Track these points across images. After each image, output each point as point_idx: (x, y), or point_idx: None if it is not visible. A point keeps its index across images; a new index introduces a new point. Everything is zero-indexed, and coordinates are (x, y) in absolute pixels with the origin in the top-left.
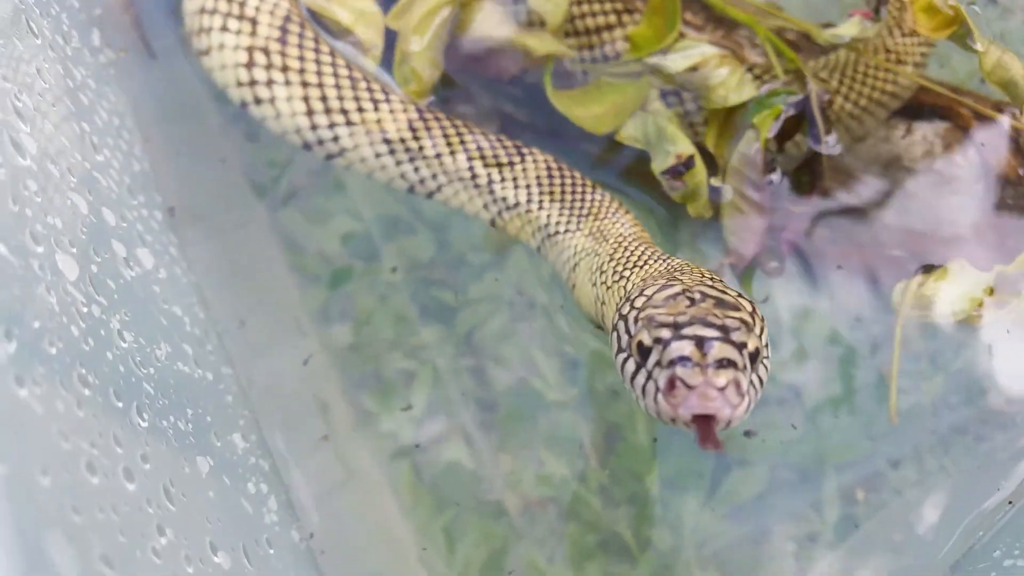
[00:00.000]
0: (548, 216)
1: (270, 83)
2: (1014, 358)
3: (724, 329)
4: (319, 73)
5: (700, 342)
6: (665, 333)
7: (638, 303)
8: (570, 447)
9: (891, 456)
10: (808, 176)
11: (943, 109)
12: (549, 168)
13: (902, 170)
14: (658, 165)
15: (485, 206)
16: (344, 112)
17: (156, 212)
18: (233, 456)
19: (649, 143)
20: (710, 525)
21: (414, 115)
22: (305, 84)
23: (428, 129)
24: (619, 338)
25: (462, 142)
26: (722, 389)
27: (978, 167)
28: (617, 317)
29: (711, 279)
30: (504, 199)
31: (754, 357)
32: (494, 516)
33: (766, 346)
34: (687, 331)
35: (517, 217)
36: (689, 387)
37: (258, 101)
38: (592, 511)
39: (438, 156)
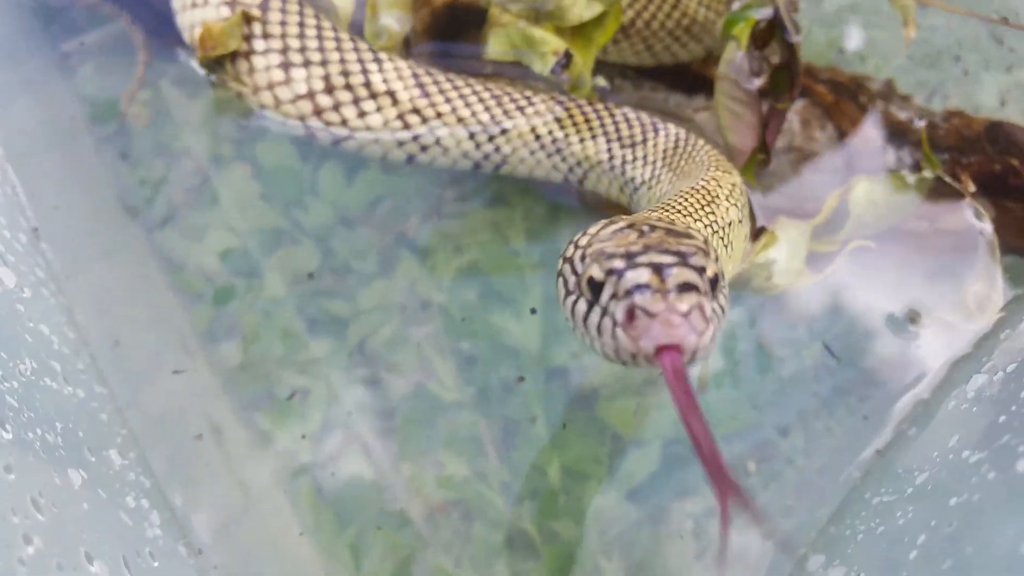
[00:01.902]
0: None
1: (440, 116)
2: (879, 318)
3: (681, 254)
4: (476, 93)
5: (658, 268)
6: (618, 263)
7: (582, 242)
8: (470, 447)
9: (778, 424)
10: (787, 75)
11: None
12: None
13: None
14: (543, 67)
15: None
16: (504, 132)
17: (20, 235)
18: (110, 471)
19: (520, 53)
20: (611, 510)
21: (557, 108)
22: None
23: (572, 118)
24: (565, 281)
25: (602, 126)
26: (686, 314)
27: (835, 141)
28: (561, 262)
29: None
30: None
31: (714, 283)
32: (398, 526)
33: (723, 277)
34: (642, 259)
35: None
36: (650, 315)
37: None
38: (496, 509)
39: (582, 142)
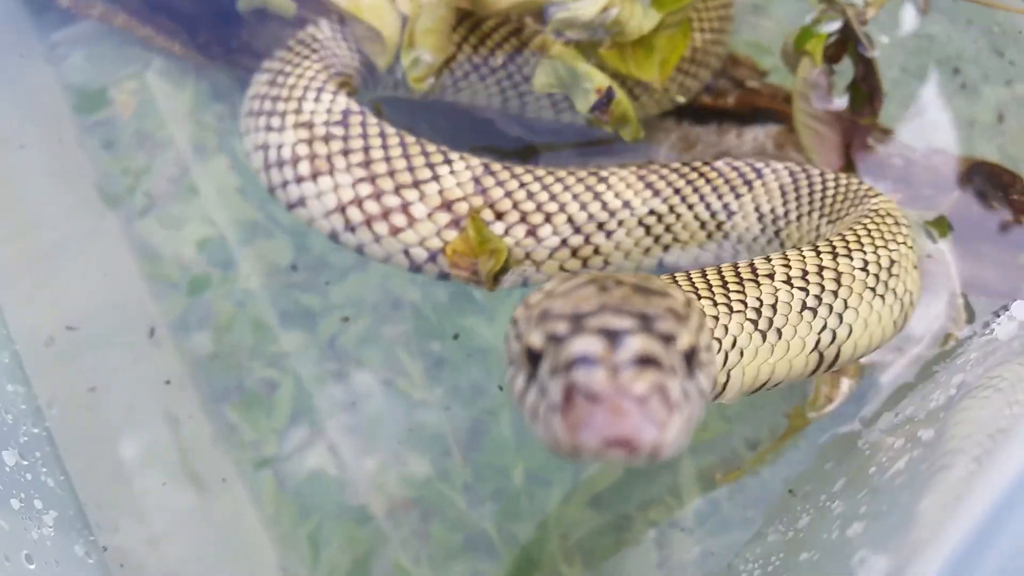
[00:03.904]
0: None
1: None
2: None
3: (644, 317)
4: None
5: (611, 335)
6: (561, 327)
7: (533, 299)
8: (434, 446)
9: (747, 436)
10: (866, 88)
11: (777, 113)
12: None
13: None
14: (582, 105)
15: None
16: (602, 226)
17: None
18: None
19: (565, 86)
20: (573, 515)
21: (644, 188)
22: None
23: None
24: (509, 350)
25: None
26: (642, 399)
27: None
28: (509, 324)
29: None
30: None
31: (689, 357)
32: (359, 521)
33: (707, 349)
34: (592, 321)
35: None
36: (593, 399)
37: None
38: (457, 509)
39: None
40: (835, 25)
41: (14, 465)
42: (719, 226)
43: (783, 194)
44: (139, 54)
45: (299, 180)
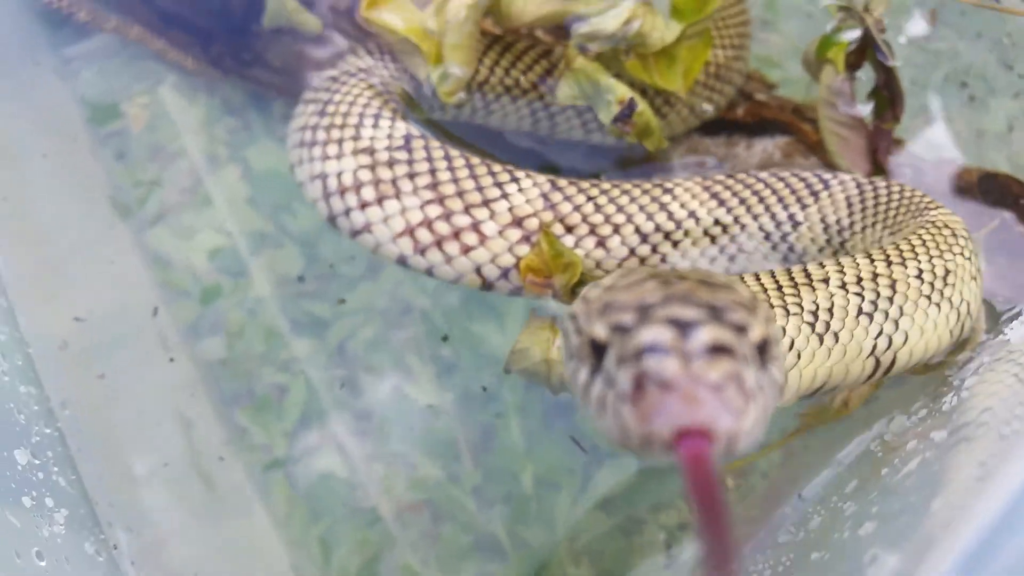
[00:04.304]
0: None
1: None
2: None
3: (713, 308)
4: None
5: (680, 325)
6: (627, 318)
7: (592, 294)
8: (444, 449)
9: (761, 442)
10: (887, 93)
11: (786, 125)
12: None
13: None
14: (605, 116)
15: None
16: (668, 235)
17: None
18: (6, 472)
19: (588, 98)
20: (582, 519)
21: (710, 198)
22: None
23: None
24: (568, 344)
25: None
26: (717, 387)
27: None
28: (567, 319)
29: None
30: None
31: (763, 349)
32: (369, 523)
33: (777, 342)
34: (660, 312)
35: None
36: (667, 387)
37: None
38: (466, 512)
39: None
40: (855, 33)
41: (26, 464)
42: (784, 237)
43: (849, 205)
44: (151, 69)
45: (363, 206)
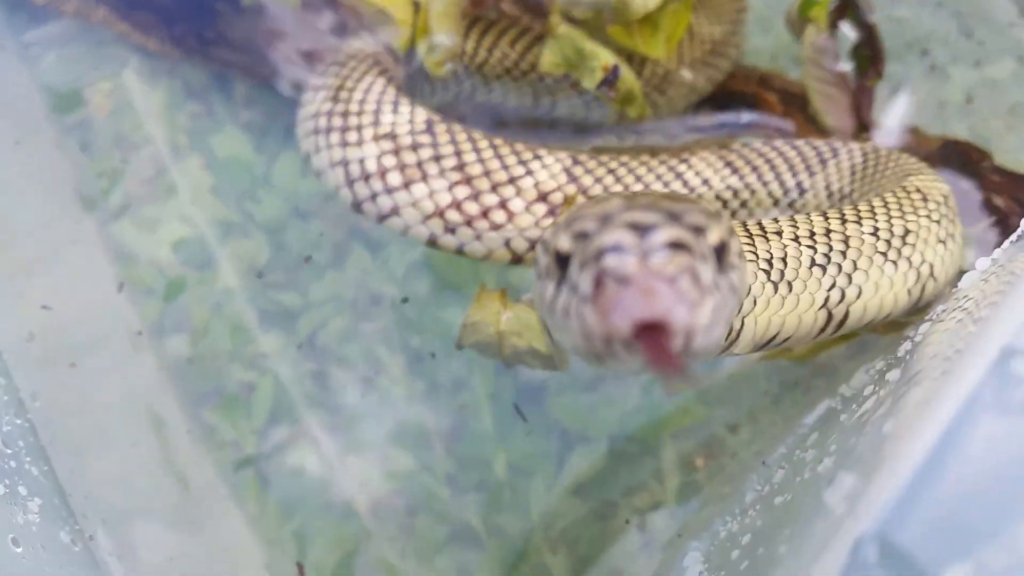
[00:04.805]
0: None
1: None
2: None
3: (673, 214)
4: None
5: (639, 228)
6: (589, 224)
7: (560, 219)
8: (417, 439)
9: (728, 420)
10: (868, 51)
11: (750, 96)
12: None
13: None
14: (589, 83)
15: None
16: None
17: None
18: None
19: (572, 65)
20: (557, 505)
21: (724, 167)
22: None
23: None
24: (538, 268)
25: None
26: (672, 278)
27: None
28: (539, 246)
29: None
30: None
31: (720, 252)
32: (344, 517)
33: (739, 255)
34: (621, 217)
35: None
36: (623, 280)
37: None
38: (441, 502)
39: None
40: None
41: None
42: (791, 204)
43: (852, 173)
44: (113, 54)
45: (390, 191)
